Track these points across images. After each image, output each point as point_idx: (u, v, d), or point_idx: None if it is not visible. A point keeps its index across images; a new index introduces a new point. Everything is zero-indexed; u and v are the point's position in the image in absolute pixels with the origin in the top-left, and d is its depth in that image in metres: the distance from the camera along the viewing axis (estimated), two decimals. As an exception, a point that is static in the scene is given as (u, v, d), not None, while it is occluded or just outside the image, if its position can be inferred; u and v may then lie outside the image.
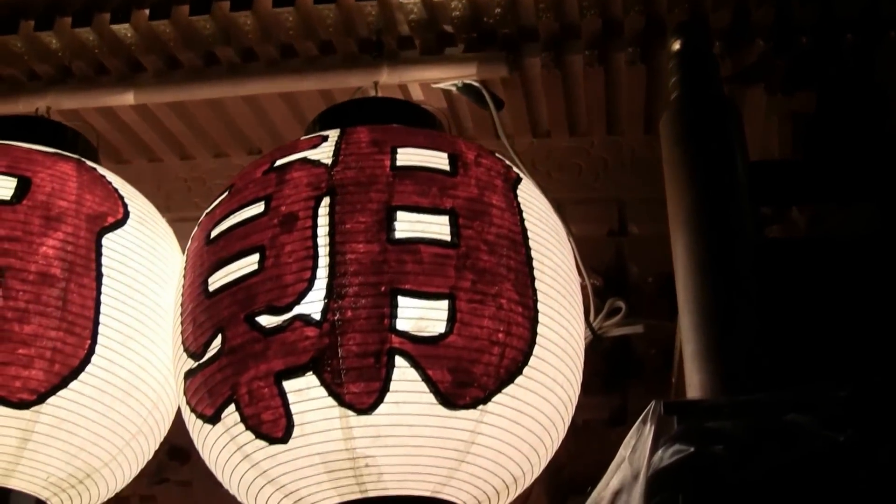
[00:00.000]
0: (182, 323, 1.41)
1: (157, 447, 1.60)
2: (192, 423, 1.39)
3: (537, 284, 1.38)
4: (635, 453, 1.23)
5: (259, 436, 1.30)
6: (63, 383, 1.42)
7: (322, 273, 1.30)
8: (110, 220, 1.55)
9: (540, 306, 1.37)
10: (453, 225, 1.35)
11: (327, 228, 1.33)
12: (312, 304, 1.29)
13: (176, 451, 2.21)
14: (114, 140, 2.23)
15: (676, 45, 1.70)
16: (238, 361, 1.31)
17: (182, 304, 1.43)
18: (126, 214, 1.58)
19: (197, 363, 1.36)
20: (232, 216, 1.42)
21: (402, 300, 1.29)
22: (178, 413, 1.57)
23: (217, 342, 1.33)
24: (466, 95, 1.94)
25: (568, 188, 2.15)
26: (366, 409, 1.26)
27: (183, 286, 1.46)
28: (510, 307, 1.33)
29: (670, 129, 1.60)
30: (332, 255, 1.31)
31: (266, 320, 1.30)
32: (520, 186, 1.48)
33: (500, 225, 1.39)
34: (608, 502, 1.25)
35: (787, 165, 1.73)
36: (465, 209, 1.38)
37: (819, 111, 1.89)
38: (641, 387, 2.07)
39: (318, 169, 1.41)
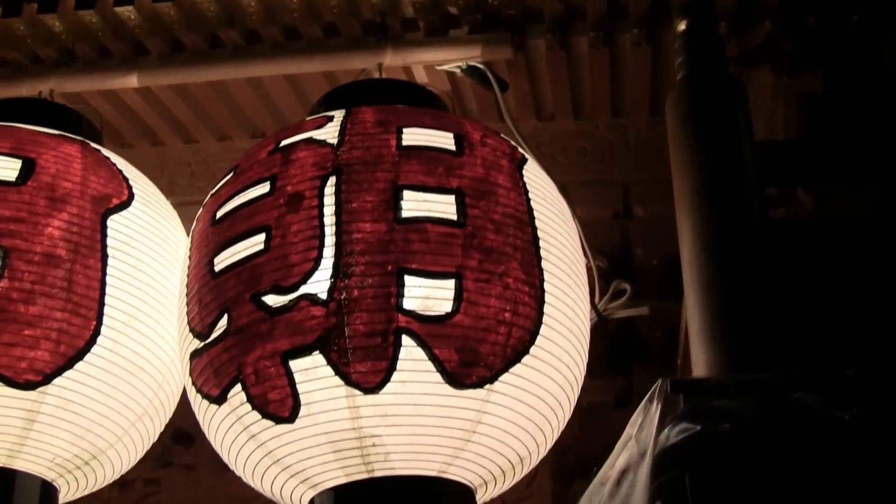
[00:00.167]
0: (188, 303, 1.41)
1: (162, 429, 1.60)
2: (198, 404, 1.39)
3: (543, 264, 1.38)
4: (642, 432, 1.23)
5: (265, 415, 1.30)
6: (69, 364, 1.42)
7: (328, 252, 1.30)
8: (115, 201, 1.54)
9: (546, 286, 1.37)
10: (459, 204, 1.35)
11: (333, 208, 1.33)
12: (319, 284, 1.29)
13: (180, 434, 2.21)
14: (117, 124, 2.22)
15: (682, 26, 1.69)
16: (244, 341, 1.30)
17: (187, 285, 1.43)
18: (131, 196, 1.57)
19: (203, 343, 1.36)
20: (237, 197, 1.41)
21: (408, 279, 1.28)
22: (183, 397, 1.57)
23: (223, 322, 1.33)
24: (471, 77, 1.93)
25: (573, 171, 2.15)
26: (372, 388, 1.26)
27: (188, 267, 1.45)
28: (517, 286, 1.33)
29: (676, 109, 1.60)
30: (338, 234, 1.31)
31: (272, 300, 1.30)
32: (525, 167, 1.48)
33: (506, 204, 1.39)
34: (615, 481, 1.25)
35: (792, 146, 1.73)
36: (471, 189, 1.37)
37: (825, 92, 1.88)
38: (646, 369, 2.07)
39: (324, 149, 1.40)
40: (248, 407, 1.31)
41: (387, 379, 1.26)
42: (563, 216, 1.49)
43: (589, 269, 1.56)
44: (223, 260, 1.37)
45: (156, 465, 2.22)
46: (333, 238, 1.31)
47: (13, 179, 1.49)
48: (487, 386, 1.29)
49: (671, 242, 1.55)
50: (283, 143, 1.44)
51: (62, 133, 1.61)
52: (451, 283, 1.29)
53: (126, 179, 1.59)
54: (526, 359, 1.32)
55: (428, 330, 1.27)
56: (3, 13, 1.98)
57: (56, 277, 1.43)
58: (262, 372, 1.29)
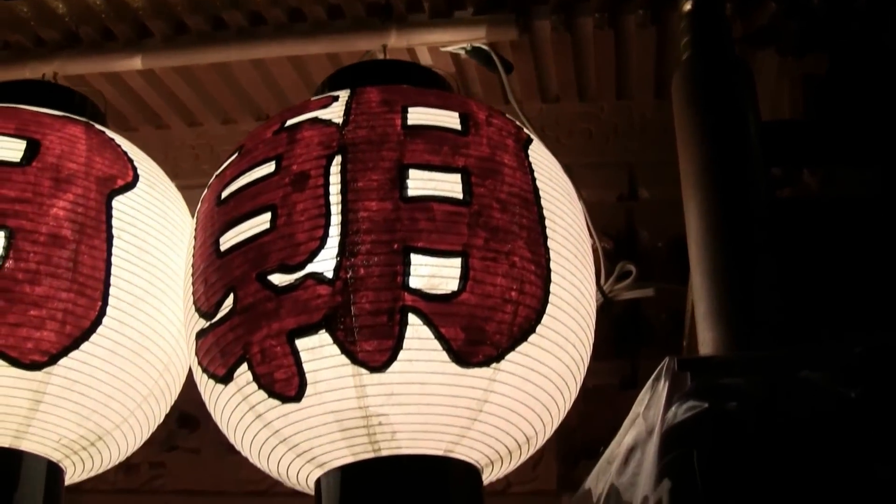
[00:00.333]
0: (193, 283, 1.41)
1: (167, 410, 1.60)
2: (204, 384, 1.39)
3: (549, 243, 1.37)
4: (649, 410, 1.23)
5: (272, 395, 1.30)
6: (74, 345, 1.42)
7: (334, 231, 1.30)
8: (120, 182, 1.54)
9: (552, 265, 1.36)
10: (465, 183, 1.35)
11: (339, 187, 1.33)
12: (325, 263, 1.28)
13: (185, 418, 2.22)
14: (121, 107, 2.22)
15: (688, 6, 1.69)
16: (250, 320, 1.30)
17: (193, 265, 1.43)
18: (136, 177, 1.57)
19: (209, 323, 1.35)
20: (242, 177, 1.41)
21: (414, 258, 1.28)
22: (188, 381, 1.57)
23: (229, 301, 1.33)
24: (475, 59, 1.93)
25: (577, 153, 2.15)
26: (379, 367, 1.26)
27: (193, 247, 1.45)
28: (523, 265, 1.32)
29: (682, 89, 1.59)
30: (344, 213, 1.30)
31: (278, 279, 1.29)
32: (531, 147, 1.48)
33: (511, 184, 1.38)
34: (622, 459, 1.25)
35: (798, 126, 1.72)
36: (477, 168, 1.37)
37: (831, 74, 1.88)
38: (651, 352, 2.06)
39: (330, 128, 1.40)
40: (255, 386, 1.31)
41: (393, 358, 1.26)
42: (569, 196, 1.49)
43: (594, 251, 1.56)
44: (229, 239, 1.36)
45: (161, 448, 2.23)
46: (339, 217, 1.30)
47: (18, 160, 1.49)
48: (494, 365, 1.29)
49: (676, 224, 1.55)
50: (289, 122, 1.44)
51: (66, 114, 1.60)
52: (457, 261, 1.29)
53: (131, 161, 1.59)
54: (532, 338, 1.32)
55: (434, 308, 1.27)
56: (6, -5, 1.98)
57: (61, 258, 1.43)
58: (269, 351, 1.29)
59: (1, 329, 1.38)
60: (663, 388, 1.22)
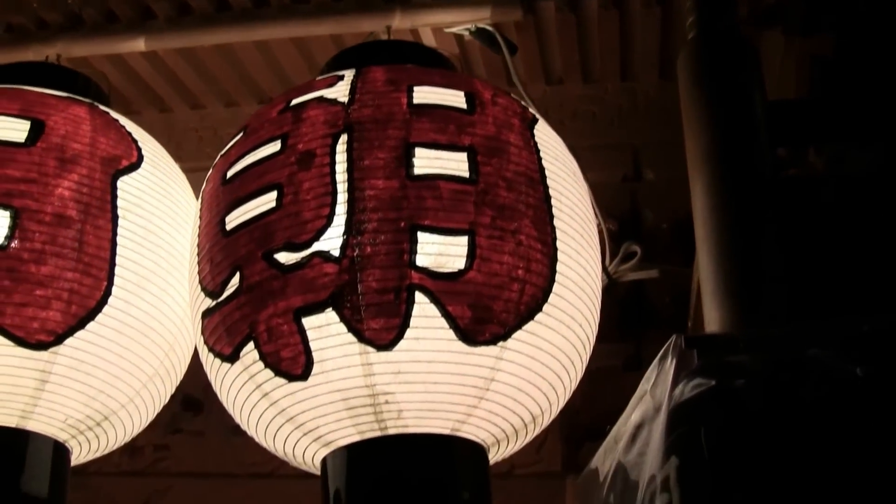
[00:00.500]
0: (199, 263, 1.41)
1: (173, 391, 1.60)
2: (210, 363, 1.39)
3: (555, 222, 1.37)
4: (656, 387, 1.23)
5: (278, 373, 1.30)
6: (80, 324, 1.41)
7: (341, 209, 1.29)
8: (124, 162, 1.54)
9: (558, 244, 1.36)
10: (472, 162, 1.34)
11: (345, 165, 1.32)
12: (331, 241, 1.28)
13: (189, 401, 2.22)
14: (124, 90, 2.22)
15: (693, -15, 1.68)
16: (256, 299, 1.30)
17: (198, 245, 1.43)
18: (140, 158, 1.57)
19: (215, 302, 1.35)
20: (248, 156, 1.41)
21: (421, 236, 1.28)
22: (192, 363, 1.57)
23: (235, 280, 1.33)
24: (479, 40, 1.92)
25: (582, 135, 2.14)
26: (386, 345, 1.26)
27: (199, 227, 1.45)
28: (529, 243, 1.32)
29: (688, 69, 1.58)
30: (350, 191, 1.30)
31: (284, 257, 1.29)
32: (536, 126, 1.47)
33: (517, 163, 1.38)
34: (629, 436, 1.25)
35: (805, 104, 1.71)
36: (483, 147, 1.36)
37: (837, 53, 1.87)
38: (655, 335, 2.06)
39: (335, 107, 1.39)
40: (261, 365, 1.30)
41: (400, 336, 1.25)
42: (575, 176, 1.49)
43: (599, 231, 1.55)
44: (235, 218, 1.36)
45: (165, 431, 2.23)
46: (346, 195, 1.30)
47: (22, 140, 1.49)
48: (501, 343, 1.29)
49: (681, 206, 1.54)
50: (294, 102, 1.43)
51: (70, 95, 1.60)
52: (464, 239, 1.29)
53: (135, 141, 1.59)
54: (539, 316, 1.31)
55: (441, 286, 1.26)
56: (8, -23, 1.97)
57: (67, 238, 1.42)
58: (275, 329, 1.28)
59: (7, 309, 1.38)
60: (670, 365, 1.22)
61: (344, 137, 1.35)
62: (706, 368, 1.21)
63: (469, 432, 1.33)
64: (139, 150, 1.58)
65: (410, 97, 1.40)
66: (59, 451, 1.47)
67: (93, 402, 1.46)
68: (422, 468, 1.30)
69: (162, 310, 1.50)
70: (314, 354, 1.27)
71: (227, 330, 1.33)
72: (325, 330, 1.27)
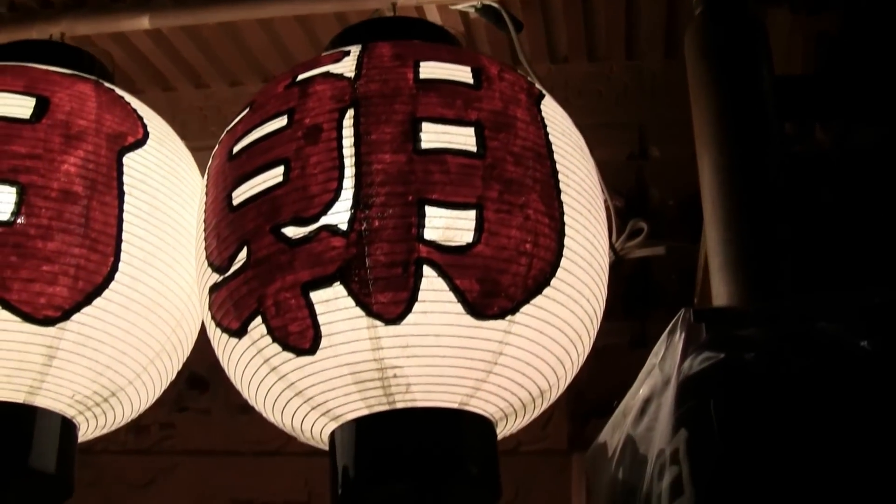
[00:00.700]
0: (206, 238, 1.40)
1: (179, 367, 1.60)
2: (218, 338, 1.39)
3: (563, 197, 1.37)
4: (665, 361, 1.23)
5: (286, 347, 1.29)
6: (87, 300, 1.41)
7: (348, 183, 1.29)
8: (130, 139, 1.54)
9: (566, 219, 1.36)
10: (479, 136, 1.34)
11: (352, 139, 1.32)
12: (339, 215, 1.28)
13: (195, 379, 2.22)
14: (128, 69, 2.21)
15: (700, -38, 1.67)
16: (264, 273, 1.30)
17: (205, 221, 1.42)
18: (146, 135, 1.56)
19: (222, 277, 1.35)
20: (254, 131, 1.40)
21: (429, 210, 1.27)
22: (198, 341, 1.57)
23: (242, 255, 1.32)
24: (485, 17, 1.91)
25: (587, 114, 2.12)
26: (394, 318, 1.25)
27: (205, 203, 1.45)
28: (537, 218, 1.32)
29: (695, 44, 1.58)
30: (358, 165, 1.30)
31: (292, 231, 1.29)
32: (543, 102, 1.47)
33: (524, 138, 1.38)
34: (638, 410, 1.25)
35: (813, 80, 1.71)
36: (490, 121, 1.36)
37: (843, 31, 1.86)
38: (661, 313, 2.06)
39: (342, 82, 1.39)
40: (269, 339, 1.30)
41: (408, 309, 1.25)
42: (581, 151, 1.48)
43: (606, 208, 1.55)
44: (241, 194, 1.36)
45: (171, 409, 2.23)
46: (353, 169, 1.30)
47: (27, 117, 1.48)
48: (509, 317, 1.29)
49: (687, 183, 1.54)
50: (300, 77, 1.43)
51: (75, 72, 1.60)
52: (471, 213, 1.28)
53: (140, 118, 1.59)
54: (547, 290, 1.31)
55: (449, 260, 1.26)
56: (12, -45, 1.97)
57: (73, 214, 1.42)
58: (283, 304, 1.28)
59: (14, 284, 1.38)
60: (679, 339, 1.22)
61: (351, 112, 1.35)
62: (715, 342, 1.21)
63: (477, 406, 1.33)
64: (145, 127, 1.57)
65: (417, 72, 1.40)
66: (67, 426, 1.47)
67: (100, 377, 1.45)
68: (430, 442, 1.30)
69: (168, 286, 1.50)
70: (322, 328, 1.27)
71: (234, 305, 1.33)
72: (332, 304, 1.26)
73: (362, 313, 1.26)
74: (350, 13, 1.97)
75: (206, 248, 1.40)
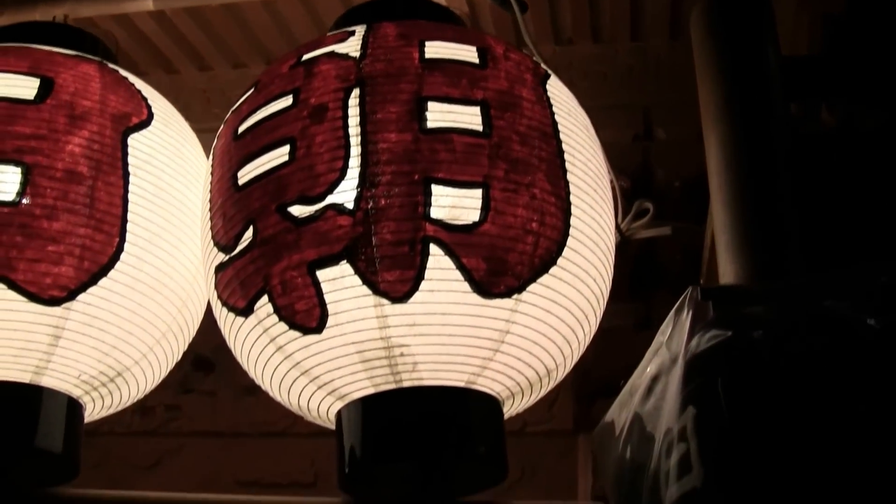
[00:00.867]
0: (211, 218, 1.40)
1: (185, 348, 1.60)
2: (224, 318, 1.39)
3: (569, 177, 1.37)
4: (672, 339, 1.22)
5: (292, 326, 1.29)
6: (92, 280, 1.41)
7: (354, 162, 1.29)
8: (135, 120, 1.53)
9: (572, 198, 1.36)
10: (485, 115, 1.33)
11: (358, 118, 1.31)
12: (345, 194, 1.27)
13: (200, 361, 2.22)
14: (131, 51, 2.21)
15: (705, -58, 1.66)
16: (270, 252, 1.30)
17: (210, 200, 1.42)
18: (150, 115, 1.56)
19: (228, 256, 1.35)
20: (259, 111, 1.40)
21: (435, 188, 1.27)
22: (203, 322, 1.57)
23: (248, 234, 1.32)
24: (490, -2, 1.91)
25: (592, 95, 2.13)
26: (400, 297, 1.25)
27: (210, 183, 1.44)
28: (543, 197, 1.32)
29: (701, 22, 1.57)
30: (363, 144, 1.29)
31: (298, 210, 1.29)
32: (549, 82, 1.46)
33: (530, 117, 1.37)
34: (645, 388, 1.25)
35: (819, 60, 1.71)
36: (496, 101, 1.36)
37: (850, 12, 1.86)
38: (666, 295, 2.06)
39: (347, 62, 1.38)
40: (275, 318, 1.30)
41: (415, 288, 1.25)
42: (587, 131, 1.48)
43: (612, 188, 1.55)
44: (247, 173, 1.35)
45: (177, 391, 2.24)
46: (359, 148, 1.29)
47: (32, 98, 1.48)
48: (515, 296, 1.28)
49: (693, 165, 1.54)
50: (305, 57, 1.43)
51: (79, 53, 1.59)
52: (478, 192, 1.28)
53: (145, 99, 1.58)
54: (553, 269, 1.31)
55: (456, 239, 1.26)
56: (15, -64, 1.95)
57: (78, 194, 1.42)
58: (289, 282, 1.28)
59: (20, 264, 1.38)
60: (686, 317, 1.22)
61: (356, 91, 1.34)
62: (722, 320, 1.20)
63: (484, 385, 1.33)
64: (149, 107, 1.57)
65: (422, 52, 1.39)
66: (73, 407, 1.47)
67: (106, 357, 1.45)
68: (437, 420, 1.30)
69: (174, 266, 1.49)
70: (329, 307, 1.27)
71: (240, 284, 1.33)
72: (339, 282, 1.26)
73: (369, 292, 1.26)
74: (354, -6, 1.96)
75: (211, 228, 1.40)
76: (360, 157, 1.29)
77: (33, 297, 1.39)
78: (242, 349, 1.37)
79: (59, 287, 1.39)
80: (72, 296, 1.40)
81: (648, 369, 1.25)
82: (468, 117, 1.33)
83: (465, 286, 1.26)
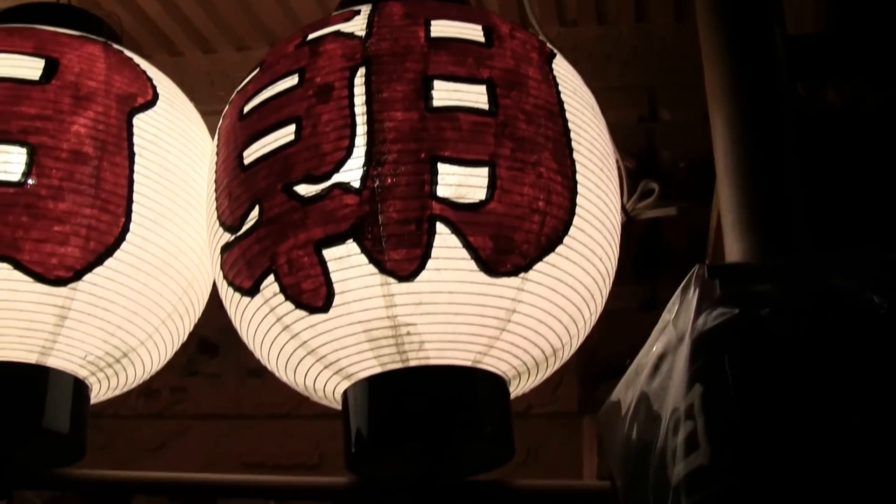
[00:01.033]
0: (217, 198, 1.40)
1: (191, 329, 1.60)
2: (230, 298, 1.39)
3: (575, 155, 1.36)
4: (679, 317, 1.22)
5: (299, 305, 1.29)
6: (98, 260, 1.41)
7: (360, 141, 1.28)
8: (140, 100, 1.53)
9: (578, 177, 1.35)
10: (491, 94, 1.33)
11: (364, 97, 1.31)
12: (351, 172, 1.27)
13: (205, 344, 2.22)
14: (136, 33, 2.21)
15: (711, -80, 1.65)
16: (276, 232, 1.29)
17: (216, 181, 1.42)
18: (155, 96, 1.56)
19: (234, 236, 1.35)
20: (265, 90, 1.40)
21: (441, 167, 1.27)
22: (208, 306, 1.57)
23: (254, 214, 1.32)
24: (495, -22, 1.91)
25: (596, 77, 2.10)
26: (407, 276, 1.25)
27: (216, 163, 1.44)
28: (549, 176, 1.31)
29: (707, 3, 1.56)
30: (370, 123, 1.29)
31: (304, 189, 1.29)
32: (555, 61, 1.46)
33: (536, 96, 1.37)
34: (652, 366, 1.24)
35: (826, 38, 1.70)
36: (502, 79, 1.35)
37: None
38: (671, 276, 2.05)
39: (353, 41, 1.38)
40: (282, 297, 1.30)
41: (421, 266, 1.25)
42: (593, 110, 1.48)
43: (618, 168, 1.55)
44: (253, 153, 1.35)
45: (181, 374, 2.24)
46: (365, 127, 1.29)
47: (37, 78, 1.48)
48: (522, 274, 1.28)
49: (698, 145, 1.53)
50: (310, 36, 1.42)
51: (84, 34, 1.59)
52: (484, 170, 1.28)
53: (150, 80, 1.58)
54: (559, 248, 1.31)
55: (462, 217, 1.26)
56: (18, -82, 1.95)
57: (84, 174, 1.42)
58: (296, 261, 1.28)
59: (25, 245, 1.38)
60: (693, 295, 1.21)
61: (362, 70, 1.34)
62: (729, 298, 1.20)
63: (490, 364, 1.33)
64: (154, 88, 1.57)
65: (428, 30, 1.39)
66: (79, 387, 1.47)
67: (112, 338, 1.46)
68: (444, 400, 1.30)
69: (179, 247, 1.49)
70: (335, 286, 1.27)
71: (246, 263, 1.33)
72: (345, 261, 1.26)
73: (375, 270, 1.26)
74: (358, -24, 1.95)
75: (217, 208, 1.39)
76: (366, 136, 1.29)
77: (39, 278, 1.39)
78: (248, 329, 1.37)
79: (65, 267, 1.39)
80: (77, 276, 1.40)
81: (655, 348, 1.25)
82: (474, 96, 1.33)
83: (472, 265, 1.26)
